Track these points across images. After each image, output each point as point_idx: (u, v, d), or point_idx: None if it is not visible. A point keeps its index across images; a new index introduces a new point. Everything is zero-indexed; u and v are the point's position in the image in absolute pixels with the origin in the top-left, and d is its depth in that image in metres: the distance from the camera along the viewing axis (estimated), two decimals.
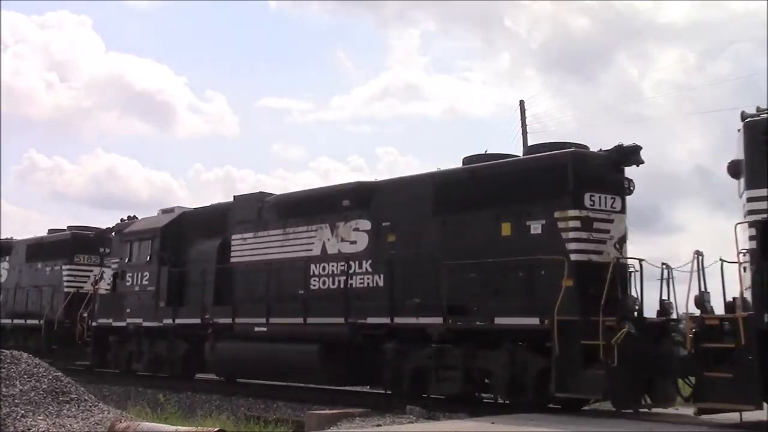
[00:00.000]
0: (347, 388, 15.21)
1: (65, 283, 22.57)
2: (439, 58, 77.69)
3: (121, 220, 21.22)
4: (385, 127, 75.81)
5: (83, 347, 20.55)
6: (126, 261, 19.27)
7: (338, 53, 76.91)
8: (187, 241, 18.17)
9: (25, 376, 10.25)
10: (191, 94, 77.83)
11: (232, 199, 18.00)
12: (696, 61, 55.96)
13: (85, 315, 20.51)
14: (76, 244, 23.04)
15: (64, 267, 22.86)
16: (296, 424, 11.58)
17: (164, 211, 19.82)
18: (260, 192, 17.27)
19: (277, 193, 17.10)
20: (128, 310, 18.73)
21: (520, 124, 28.99)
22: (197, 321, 16.88)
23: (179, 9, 79.87)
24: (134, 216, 21.25)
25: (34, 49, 70.82)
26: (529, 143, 27.29)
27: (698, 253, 10.37)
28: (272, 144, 78.19)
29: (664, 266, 11.35)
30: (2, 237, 26.50)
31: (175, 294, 17.75)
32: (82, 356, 20.73)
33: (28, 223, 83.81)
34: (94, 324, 19.96)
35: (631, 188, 11.92)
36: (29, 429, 8.99)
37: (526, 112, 29.16)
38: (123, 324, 18.83)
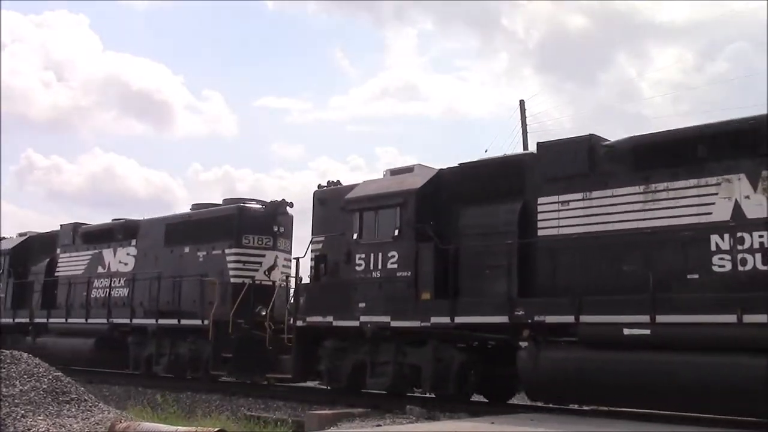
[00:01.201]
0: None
1: (231, 272, 17.33)
2: (437, 57, 77.81)
3: (319, 186, 15.68)
4: (384, 127, 75.93)
5: (274, 355, 15.47)
6: (355, 237, 13.88)
7: (336, 53, 77.05)
8: (456, 206, 13.07)
9: (25, 376, 10.25)
10: (189, 94, 77.83)
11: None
12: (694, 60, 55.95)
13: (264, 313, 16.10)
14: (243, 222, 17.68)
15: (228, 251, 17.54)
16: (296, 424, 11.58)
17: (395, 172, 14.56)
18: (589, 134, 12.02)
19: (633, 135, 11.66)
20: (362, 305, 13.54)
21: (519, 124, 29.04)
22: (502, 319, 11.62)
23: (176, 8, 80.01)
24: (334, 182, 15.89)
25: (32, 48, 70.92)
26: (529, 143, 27.43)
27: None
28: (271, 144, 78.23)
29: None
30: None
31: (445, 281, 12.55)
32: (272, 367, 15.62)
33: (26, 223, 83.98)
34: (299, 323, 14.58)
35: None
36: (29, 429, 8.99)
37: (521, 112, 29.22)
38: (352, 323, 13.59)
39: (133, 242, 20.34)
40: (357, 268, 13.71)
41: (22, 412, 9.39)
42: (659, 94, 61.72)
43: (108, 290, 20.35)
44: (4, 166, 71.83)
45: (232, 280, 17.17)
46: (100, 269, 21.06)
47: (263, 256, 17.58)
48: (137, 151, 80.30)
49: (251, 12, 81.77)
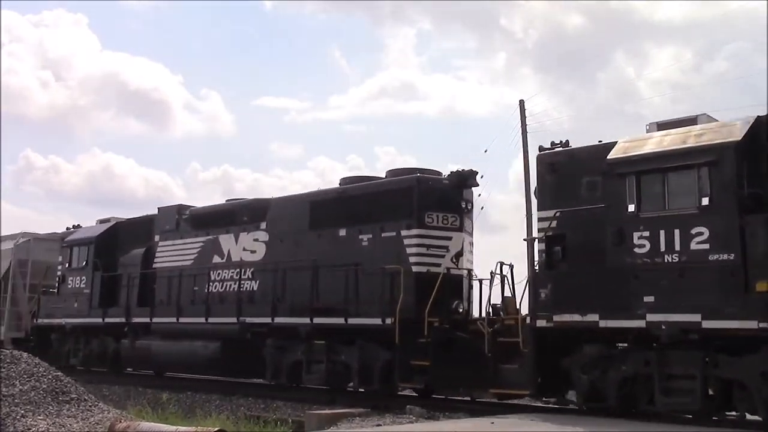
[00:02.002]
0: (347, 388, 15.23)
1: (413, 259, 13.68)
2: (435, 57, 77.82)
3: (541, 148, 12.46)
4: (383, 127, 75.94)
5: (493, 364, 12.11)
6: (632, 209, 10.43)
7: (334, 52, 77.01)
8: None
9: (25, 376, 10.25)
10: (187, 93, 77.84)
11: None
12: (693, 59, 55.94)
13: (461, 309, 13.64)
14: (425, 196, 14.00)
15: (406, 233, 13.87)
16: (296, 424, 11.58)
17: (663, 126, 11.05)
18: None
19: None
20: (648, 300, 10.13)
21: (519, 124, 29.01)
22: None
23: (174, 8, 79.98)
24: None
25: (29, 47, 70.87)
26: (529, 143, 27.40)
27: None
28: (269, 143, 78.21)
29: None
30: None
31: None
32: (491, 379, 12.15)
33: (25, 223, 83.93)
34: (541, 324, 11.09)
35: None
36: (29, 429, 8.99)
37: (520, 112, 29.21)
38: (633, 324, 10.25)
39: (263, 225, 16.47)
40: (637, 250, 10.25)
41: (22, 411, 9.39)
42: (658, 94, 61.73)
43: (235, 283, 16.65)
44: (3, 167, 71.79)
45: (415, 269, 13.58)
46: (216, 259, 17.29)
47: (449, 239, 13.93)
48: (135, 151, 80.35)
49: (249, 12, 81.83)
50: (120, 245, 20.20)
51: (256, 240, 16.50)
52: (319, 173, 68.62)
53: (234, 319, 16.11)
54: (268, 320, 15.51)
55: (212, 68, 77.80)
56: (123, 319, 18.95)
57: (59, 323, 20.99)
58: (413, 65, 75.57)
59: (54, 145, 79.96)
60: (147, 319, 18.30)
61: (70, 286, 21.00)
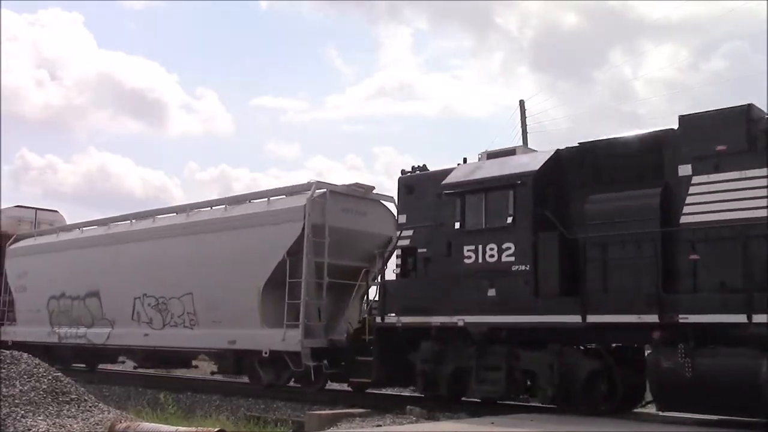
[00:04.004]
0: (347, 388, 15.25)
1: None
2: (432, 57, 77.91)
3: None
4: (381, 127, 76.00)
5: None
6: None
7: (330, 52, 77.02)
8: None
9: (25, 376, 10.24)
10: (183, 92, 77.94)
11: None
12: (690, 58, 55.93)
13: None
14: None
15: None
16: (296, 424, 11.58)
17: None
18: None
19: None
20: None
21: (518, 124, 29.03)
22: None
23: (170, 7, 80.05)
24: None
25: (24, 46, 70.88)
26: (529, 143, 27.43)
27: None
28: (266, 143, 78.27)
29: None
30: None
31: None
32: None
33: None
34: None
35: None
36: (29, 429, 8.98)
37: (520, 112, 29.23)
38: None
39: None
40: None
41: (22, 412, 9.38)
42: (655, 94, 61.77)
43: None
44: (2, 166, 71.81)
45: None
46: None
47: None
48: (133, 150, 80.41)
49: (244, 11, 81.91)
50: (581, 185, 11.57)
51: None
52: (317, 173, 68.72)
53: None
54: None
55: (208, 67, 78.05)
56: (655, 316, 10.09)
57: (443, 323, 12.37)
58: (410, 65, 75.74)
59: (50, 144, 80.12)
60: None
61: (470, 260, 11.90)
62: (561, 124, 66.81)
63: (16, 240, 23.24)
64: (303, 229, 14.71)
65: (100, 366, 22.50)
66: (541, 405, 11.90)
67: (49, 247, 21.93)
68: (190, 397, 15.52)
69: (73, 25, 76.38)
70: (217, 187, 69.65)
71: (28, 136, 76.10)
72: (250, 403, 14.44)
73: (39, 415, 9.41)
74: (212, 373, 18.25)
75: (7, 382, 9.96)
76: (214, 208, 17.71)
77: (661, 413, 10.38)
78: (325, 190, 15.26)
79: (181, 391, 15.95)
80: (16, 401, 9.58)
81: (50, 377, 10.40)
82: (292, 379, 15.55)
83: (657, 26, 58.67)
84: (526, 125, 28.83)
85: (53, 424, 9.21)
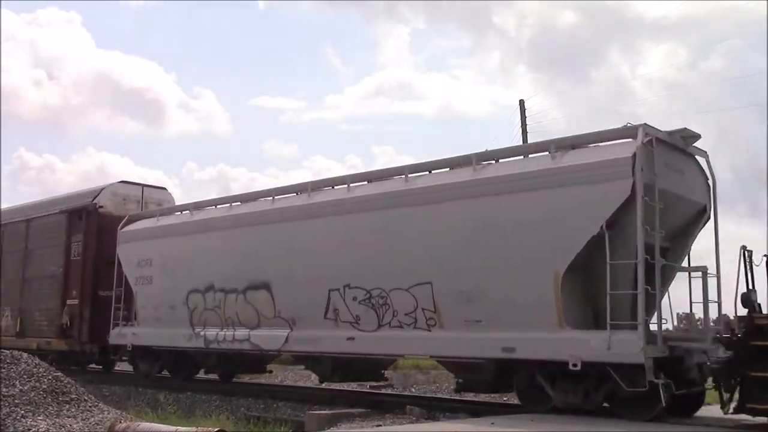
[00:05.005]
0: (347, 388, 15.23)
1: None
2: (430, 56, 78.00)
3: None
4: (380, 126, 76.02)
5: None
6: None
7: (329, 51, 76.99)
8: None
9: (25, 376, 10.24)
10: (180, 92, 78.01)
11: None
12: (687, 56, 55.93)
13: None
14: None
15: None
16: (296, 424, 11.58)
17: None
18: None
19: None
20: None
21: (517, 124, 29.04)
22: None
23: (167, 7, 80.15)
24: None
25: (21, 45, 70.90)
26: (529, 142, 27.40)
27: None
28: (265, 143, 78.27)
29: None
30: None
31: None
32: None
33: None
34: None
35: None
36: (29, 429, 8.98)
37: (520, 111, 29.27)
38: None
39: None
40: None
41: (22, 412, 9.38)
42: (653, 94, 61.77)
43: None
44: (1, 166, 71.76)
45: None
46: None
47: None
48: (131, 150, 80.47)
49: (243, 11, 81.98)
50: None
51: None
52: (316, 172, 68.69)
53: None
54: None
55: (206, 67, 78.20)
56: None
57: None
58: (409, 64, 75.80)
59: (48, 144, 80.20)
60: None
61: None
62: (560, 124, 66.85)
63: (129, 221, 18.81)
64: (633, 189, 10.18)
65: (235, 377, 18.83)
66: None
67: (185, 228, 16.99)
68: (190, 397, 15.52)
69: (71, 24, 76.55)
70: (215, 186, 69.73)
71: (26, 135, 76.15)
72: (250, 402, 14.44)
73: (39, 415, 9.41)
74: (456, 390, 13.21)
75: (7, 382, 9.96)
76: (455, 169, 12.60)
77: None
78: (650, 136, 10.63)
79: (181, 391, 15.94)
80: (16, 401, 9.59)
81: (50, 377, 10.40)
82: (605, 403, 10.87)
83: (655, 25, 58.70)
84: (526, 125, 28.88)
85: (53, 424, 9.21)
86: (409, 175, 12.99)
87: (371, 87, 74.86)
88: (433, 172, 12.95)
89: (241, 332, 15.12)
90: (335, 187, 14.38)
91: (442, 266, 11.90)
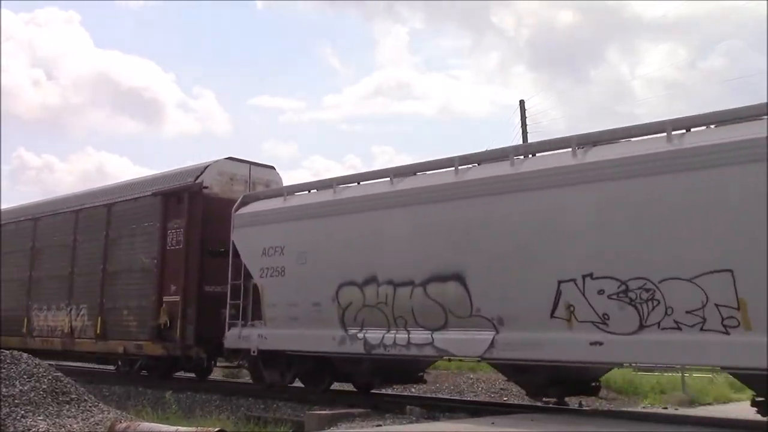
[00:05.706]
0: (347, 388, 15.20)
1: None
2: (429, 56, 78.03)
3: None
4: (379, 126, 76.02)
5: None
6: None
7: (328, 51, 76.99)
8: None
9: (25, 376, 10.25)
10: (180, 92, 78.03)
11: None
12: (687, 56, 55.91)
13: None
14: None
15: None
16: (296, 424, 11.57)
17: None
18: None
19: None
20: None
21: (517, 124, 29.05)
22: None
23: (166, 7, 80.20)
24: None
25: (19, 45, 70.91)
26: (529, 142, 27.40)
27: None
28: (264, 142, 78.27)
29: None
30: None
31: None
32: None
33: None
34: None
35: None
36: (29, 429, 8.99)
37: (521, 111, 29.30)
38: None
39: None
40: None
41: (22, 412, 9.39)
42: (653, 94, 61.79)
43: None
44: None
45: None
46: None
47: None
48: (130, 150, 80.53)
49: (241, 11, 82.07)
50: None
51: None
52: (315, 172, 68.69)
53: None
54: None
55: (205, 67, 78.17)
56: None
57: None
58: (407, 64, 75.81)
59: (47, 144, 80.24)
60: None
61: None
62: (559, 124, 66.89)
63: (244, 202, 15.54)
64: None
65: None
66: (541, 405, 11.91)
67: (333, 208, 13.61)
68: (190, 396, 15.51)
69: (70, 24, 76.50)
70: None
71: (25, 135, 76.17)
72: (250, 402, 14.43)
73: (39, 415, 9.42)
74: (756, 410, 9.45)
75: (7, 382, 9.96)
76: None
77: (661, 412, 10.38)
78: None
79: (181, 391, 15.94)
80: (16, 401, 9.59)
81: (50, 377, 10.40)
82: None
83: (654, 25, 58.69)
84: (526, 125, 28.89)
85: (53, 424, 9.22)
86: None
87: (370, 87, 75.04)
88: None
89: (418, 334, 11.95)
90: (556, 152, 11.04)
91: (753, 248, 8.64)
